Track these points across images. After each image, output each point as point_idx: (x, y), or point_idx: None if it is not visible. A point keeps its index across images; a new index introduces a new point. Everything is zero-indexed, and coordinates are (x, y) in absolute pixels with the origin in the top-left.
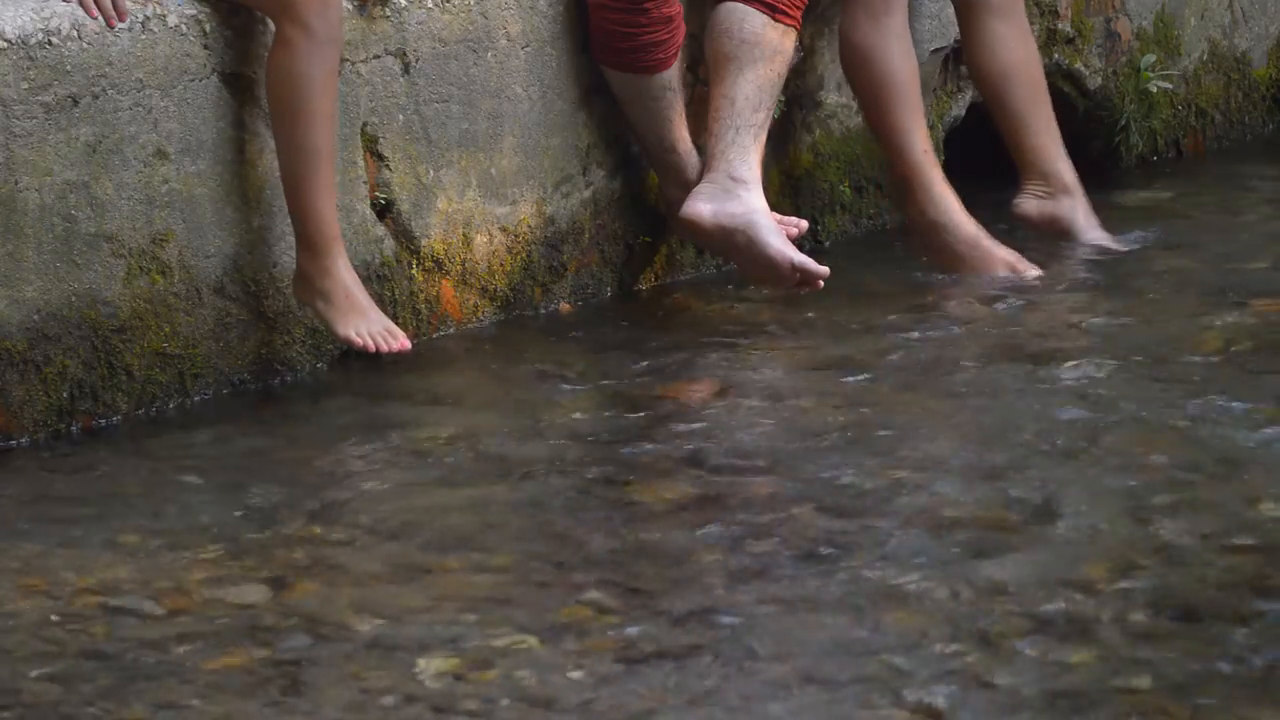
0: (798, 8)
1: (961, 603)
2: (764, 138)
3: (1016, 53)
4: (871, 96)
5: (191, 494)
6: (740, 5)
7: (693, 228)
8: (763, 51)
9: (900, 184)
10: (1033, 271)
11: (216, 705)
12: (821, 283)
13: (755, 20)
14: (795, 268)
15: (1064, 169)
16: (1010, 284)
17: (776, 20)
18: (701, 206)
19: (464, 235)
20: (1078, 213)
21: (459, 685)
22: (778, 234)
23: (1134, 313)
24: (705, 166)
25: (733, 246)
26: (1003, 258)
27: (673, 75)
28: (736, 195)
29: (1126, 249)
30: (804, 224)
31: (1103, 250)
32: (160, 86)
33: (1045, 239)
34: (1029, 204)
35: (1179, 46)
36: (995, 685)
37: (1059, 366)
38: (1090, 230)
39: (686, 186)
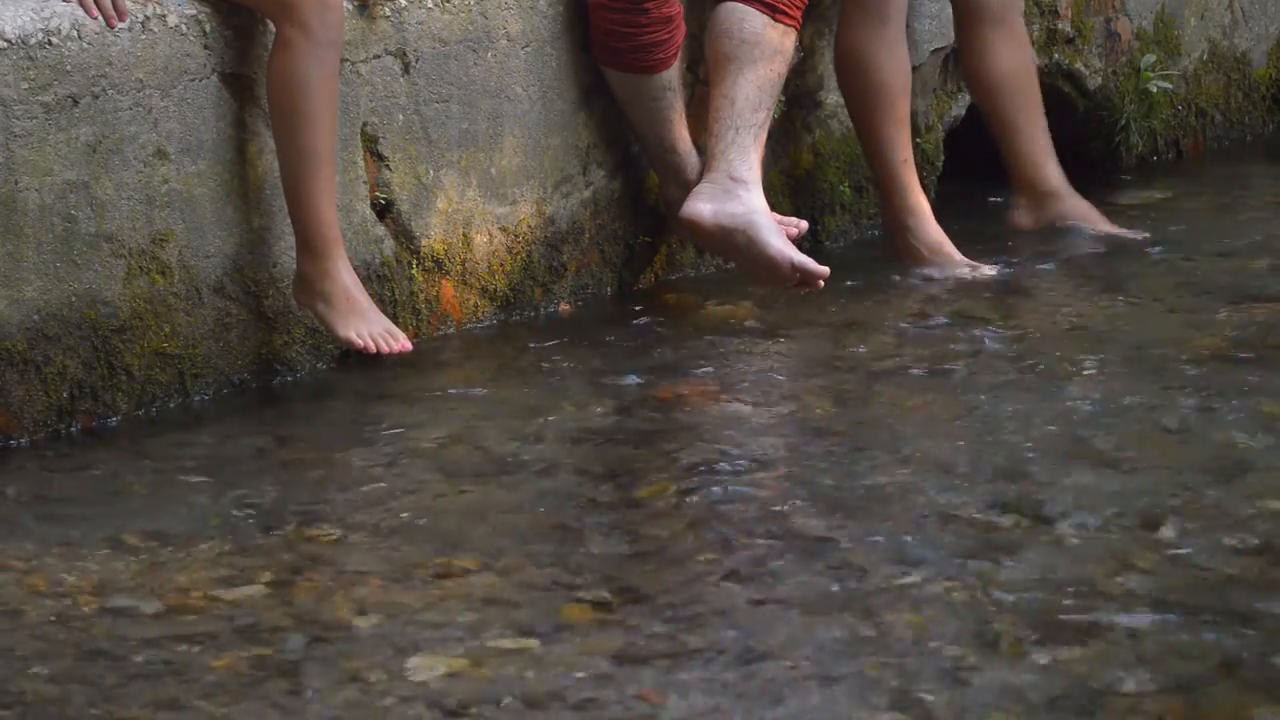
0: (798, 8)
1: (961, 603)
2: (764, 138)
3: (1011, 61)
4: (860, 102)
5: (191, 494)
6: (740, 5)
7: (692, 228)
8: (763, 51)
9: (878, 187)
10: (988, 271)
11: (216, 705)
12: (821, 282)
13: (755, 20)
14: (795, 267)
15: (1053, 174)
16: (1010, 284)
17: (776, 20)
18: (701, 206)
19: (464, 235)
20: (1072, 212)
21: (459, 685)
22: (778, 234)
23: (1134, 313)
24: (705, 166)
25: (733, 246)
26: (961, 262)
27: (673, 75)
28: (736, 195)
29: (1138, 237)
30: (804, 224)
31: (1113, 239)
32: (160, 86)
33: (1051, 239)
34: (1023, 217)
35: (1179, 46)
36: (995, 685)
37: (1059, 366)
38: (1098, 223)
39: (686, 186)
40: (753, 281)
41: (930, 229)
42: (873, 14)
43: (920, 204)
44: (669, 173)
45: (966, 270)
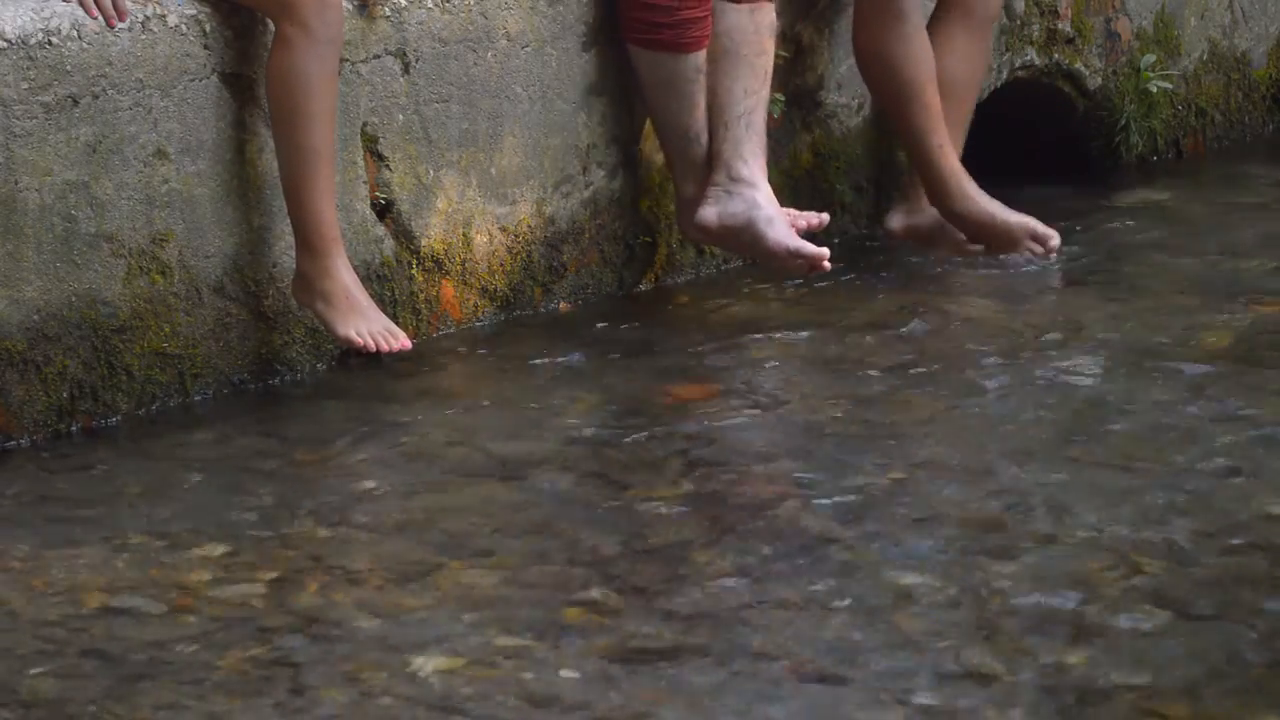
0: None
1: (962, 603)
2: (759, 121)
3: (969, 67)
4: (888, 100)
5: (191, 494)
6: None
7: (703, 234)
8: (733, 40)
9: (924, 182)
10: (1054, 238)
11: (216, 705)
12: (827, 264)
13: (729, 16)
14: (792, 254)
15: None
16: (1010, 283)
17: (740, 3)
18: (707, 212)
19: (464, 235)
20: (947, 230)
21: (459, 685)
22: (775, 224)
23: (1134, 312)
24: (710, 166)
25: (740, 244)
26: (1021, 224)
27: (702, 59)
28: (738, 194)
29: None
30: (824, 217)
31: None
32: (160, 86)
33: (916, 250)
34: (896, 220)
35: (1179, 46)
36: (996, 685)
37: (1059, 366)
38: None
39: (701, 182)
40: (773, 275)
41: (979, 207)
42: (887, 11)
43: (963, 187)
44: (688, 166)
45: (1030, 240)
